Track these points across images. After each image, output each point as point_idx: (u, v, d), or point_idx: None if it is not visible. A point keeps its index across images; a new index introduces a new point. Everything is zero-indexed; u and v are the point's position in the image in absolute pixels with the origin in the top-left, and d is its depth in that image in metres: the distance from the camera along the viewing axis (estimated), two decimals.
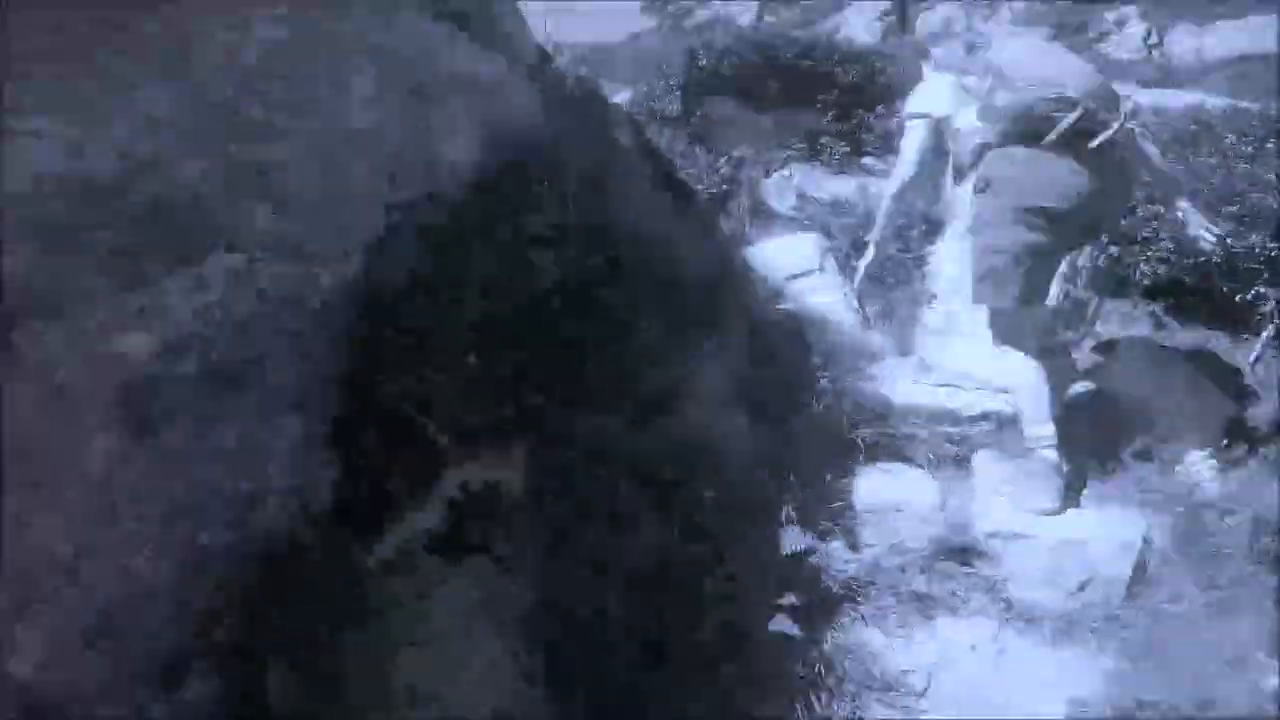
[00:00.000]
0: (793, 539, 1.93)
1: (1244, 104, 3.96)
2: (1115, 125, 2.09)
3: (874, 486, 2.27)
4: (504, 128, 2.53)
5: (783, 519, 1.97)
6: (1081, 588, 2.08)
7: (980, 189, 2.22)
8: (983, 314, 2.34)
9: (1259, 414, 2.67)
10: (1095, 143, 2.06)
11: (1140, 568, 2.10)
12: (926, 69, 3.29)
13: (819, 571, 1.98)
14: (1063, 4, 13.20)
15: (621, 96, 4.73)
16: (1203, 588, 2.05)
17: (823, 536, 2.08)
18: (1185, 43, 12.48)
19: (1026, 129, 2.12)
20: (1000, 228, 2.17)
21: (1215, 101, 4.17)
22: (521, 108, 2.74)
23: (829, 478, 2.18)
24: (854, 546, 2.15)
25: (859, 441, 2.30)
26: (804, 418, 2.23)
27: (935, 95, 2.87)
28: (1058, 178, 2.10)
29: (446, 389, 1.84)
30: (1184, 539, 2.19)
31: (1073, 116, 2.05)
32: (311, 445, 1.65)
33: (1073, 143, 2.08)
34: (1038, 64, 2.21)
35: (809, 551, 1.93)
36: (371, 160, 1.79)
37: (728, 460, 2.01)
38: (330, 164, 1.69)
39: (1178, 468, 2.46)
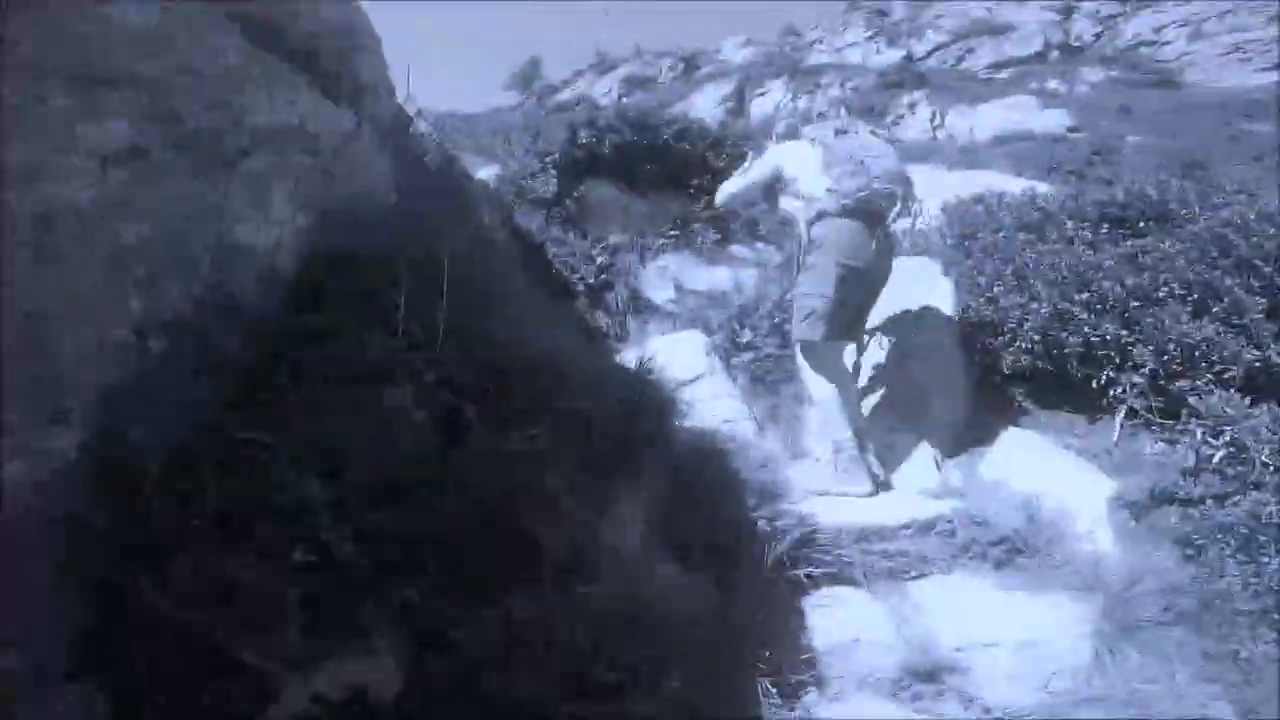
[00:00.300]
0: (776, 716, 1.60)
1: (1071, 188, 4.43)
2: (913, 213, 2.94)
3: (828, 624, 2.09)
4: (345, 208, 2.00)
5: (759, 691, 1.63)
6: (1050, 679, 2.10)
7: (815, 246, 2.76)
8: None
9: (1132, 485, 2.83)
10: (893, 226, 2.88)
11: (1093, 650, 2.17)
12: (768, 143, 3.49)
13: None
14: (870, 92, 15.05)
15: (487, 172, 4.34)
16: (1146, 657, 2.16)
17: (796, 692, 1.77)
18: (960, 123, 14.74)
19: (858, 208, 2.74)
20: (824, 278, 2.73)
21: (1045, 188, 4.64)
22: (371, 182, 2.20)
23: (787, 628, 1.89)
24: (822, 687, 1.89)
25: (803, 578, 2.04)
26: (744, 563, 1.92)
27: (793, 155, 3.07)
28: (863, 243, 2.76)
29: (266, 593, 1.32)
30: (1114, 615, 2.27)
31: (910, 209, 2.91)
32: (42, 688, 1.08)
33: (869, 220, 2.77)
34: (885, 162, 2.86)
35: None
36: (110, 254, 1.14)
37: (670, 628, 1.63)
38: (35, 262, 1.01)
39: (1085, 550, 2.53)
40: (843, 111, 4.46)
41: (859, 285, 2.81)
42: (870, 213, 2.77)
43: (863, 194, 2.75)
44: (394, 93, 2.73)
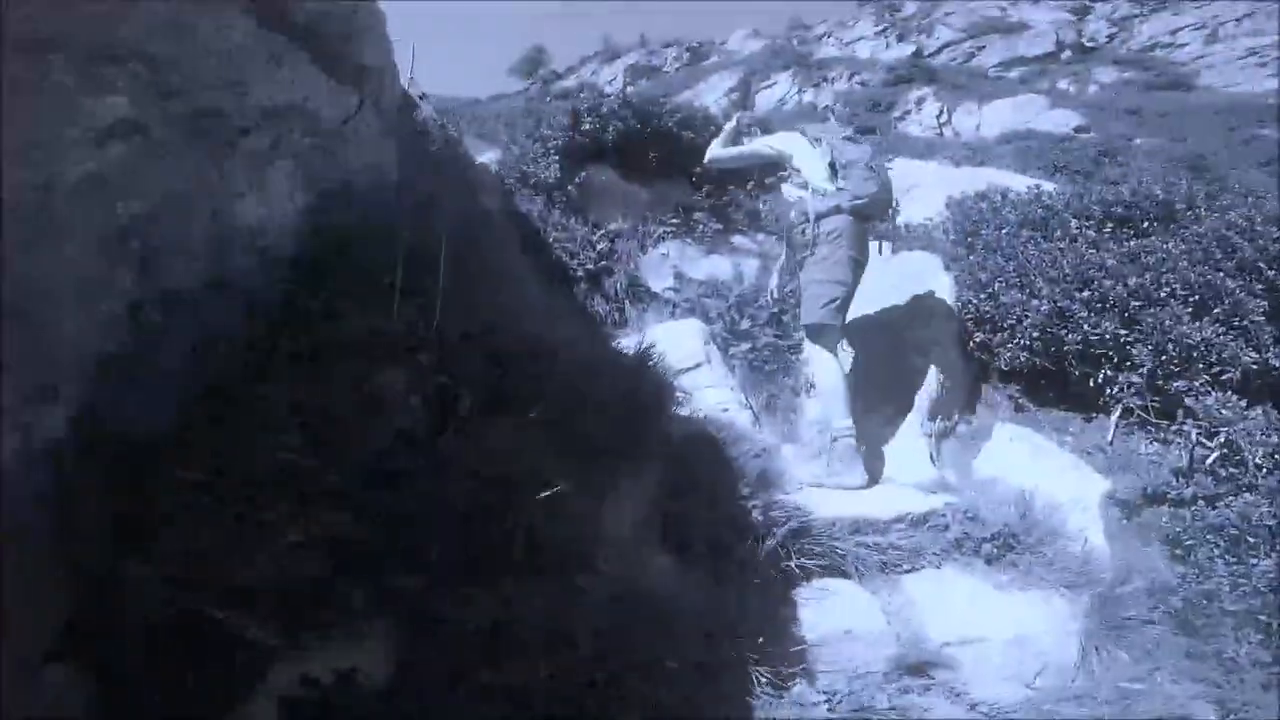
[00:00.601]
0: (767, 707, 1.61)
1: (1078, 187, 4.41)
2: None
3: (818, 616, 2.08)
4: (345, 188, 1.99)
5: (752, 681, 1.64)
6: (1037, 676, 2.11)
7: (828, 238, 2.93)
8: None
9: (1125, 484, 2.84)
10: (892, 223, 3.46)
11: (1080, 648, 2.19)
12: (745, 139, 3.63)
13: None
14: (877, 87, 14.96)
15: (489, 156, 4.32)
16: (1132, 655, 2.18)
17: (786, 684, 1.78)
18: (967, 120, 14.66)
19: (866, 209, 2.99)
20: (841, 267, 2.90)
21: (1051, 186, 4.61)
22: (373, 163, 2.19)
23: (779, 619, 1.89)
24: (813, 681, 1.91)
25: (796, 569, 2.05)
26: (739, 553, 1.92)
27: (800, 148, 3.17)
28: (864, 240, 3.01)
29: (257, 572, 1.33)
30: (1102, 612, 2.28)
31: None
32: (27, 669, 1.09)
33: (869, 220, 3.08)
34: (888, 173, 3.18)
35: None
36: (106, 229, 1.14)
37: (666, 619, 1.64)
38: (30, 235, 1.01)
39: (1076, 548, 2.53)
40: (831, 117, 4.56)
41: (859, 276, 3.01)
42: (871, 214, 3.07)
43: (873, 198, 2.99)
44: (398, 75, 2.72)
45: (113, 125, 1.16)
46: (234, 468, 1.34)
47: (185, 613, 1.24)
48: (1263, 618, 2.18)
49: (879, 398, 3.16)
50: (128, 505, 1.24)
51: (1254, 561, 2.31)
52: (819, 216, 2.92)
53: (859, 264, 2.97)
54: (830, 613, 2.10)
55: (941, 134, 14.13)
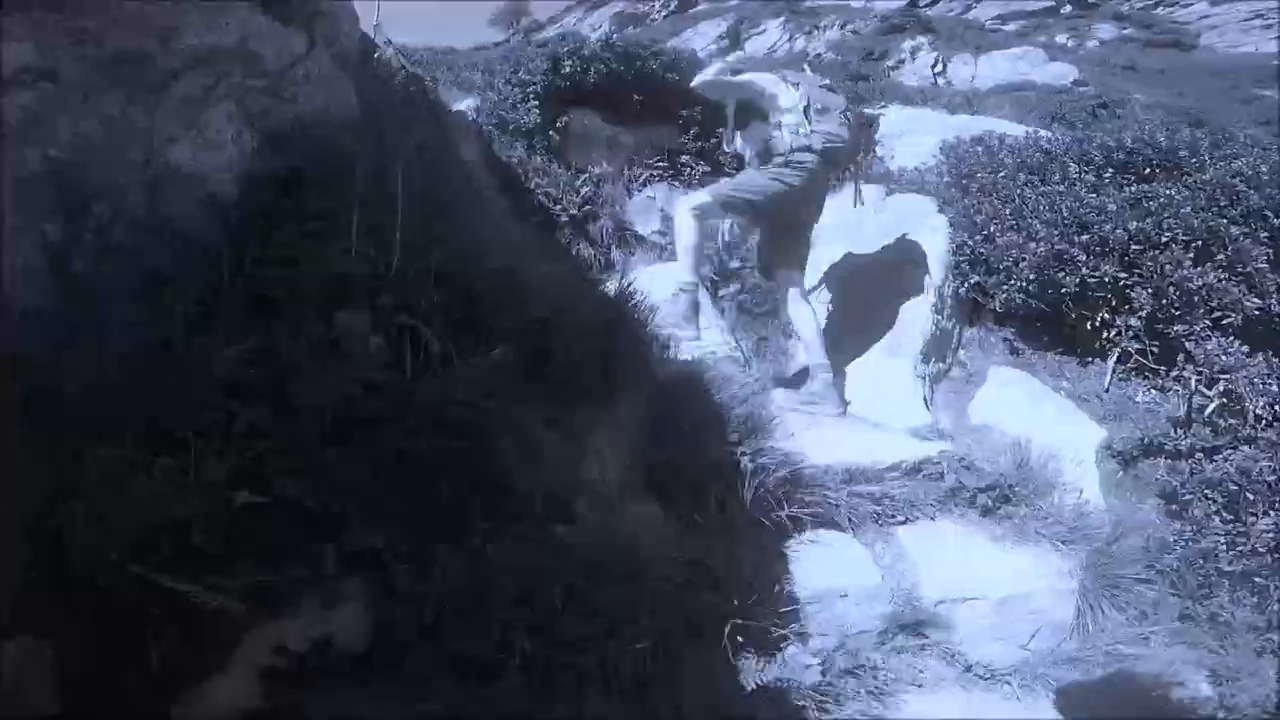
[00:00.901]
0: (754, 670, 1.53)
1: (1080, 133, 4.26)
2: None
3: (811, 571, 1.98)
4: (297, 130, 1.80)
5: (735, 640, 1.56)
6: (1032, 638, 2.05)
7: (788, 163, 2.93)
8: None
9: (1122, 433, 2.77)
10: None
11: (1076, 608, 2.11)
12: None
13: (785, 692, 1.62)
14: (870, 35, 14.55)
15: (467, 103, 4.12)
16: (1126, 615, 2.12)
17: (778, 645, 1.71)
18: (962, 71, 14.31)
19: (835, 152, 3.01)
20: (774, 184, 2.89)
21: (1047, 132, 4.44)
22: (326, 104, 2.05)
23: (770, 575, 1.80)
24: (805, 643, 1.84)
25: (785, 520, 1.96)
26: (727, 504, 1.83)
27: (785, 91, 3.16)
28: (823, 180, 3.05)
29: (208, 537, 1.24)
30: (1097, 569, 2.20)
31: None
32: None
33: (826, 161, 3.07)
34: (852, 120, 3.18)
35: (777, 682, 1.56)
36: (16, 178, 1.11)
37: (649, 574, 1.55)
38: None
39: (1071, 500, 2.46)
40: (807, 68, 4.49)
41: (795, 207, 3.00)
42: (838, 160, 3.14)
43: (845, 143, 3.04)
44: (357, 19, 2.61)
45: (16, 73, 1.07)
46: (178, 426, 1.23)
47: (140, 581, 1.15)
48: (1259, 579, 2.11)
49: (868, 340, 3.07)
50: (68, 467, 1.14)
51: (1252, 519, 2.20)
52: (791, 151, 2.93)
53: (806, 196, 2.98)
54: (822, 568, 2.01)
55: (935, 83, 13.79)
